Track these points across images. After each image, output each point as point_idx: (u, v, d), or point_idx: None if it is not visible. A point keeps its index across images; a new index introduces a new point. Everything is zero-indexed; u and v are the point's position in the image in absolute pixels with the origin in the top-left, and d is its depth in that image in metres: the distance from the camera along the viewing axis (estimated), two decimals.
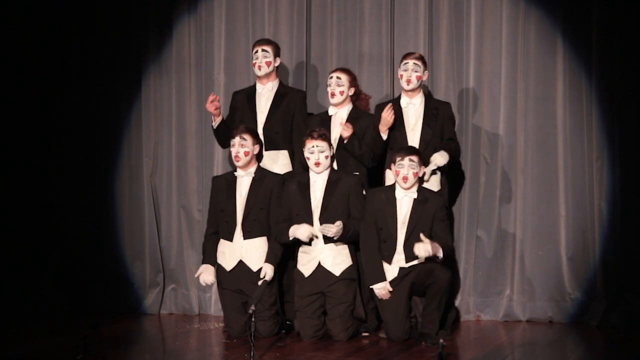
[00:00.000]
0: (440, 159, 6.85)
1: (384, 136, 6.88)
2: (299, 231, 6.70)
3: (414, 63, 6.92)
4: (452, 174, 7.47)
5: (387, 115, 6.82)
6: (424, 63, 6.98)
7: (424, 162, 6.74)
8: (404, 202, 6.65)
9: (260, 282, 6.49)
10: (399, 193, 6.65)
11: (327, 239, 6.73)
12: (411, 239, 6.57)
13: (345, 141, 6.95)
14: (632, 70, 7.22)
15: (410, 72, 6.91)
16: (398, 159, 6.60)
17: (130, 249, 8.06)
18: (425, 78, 6.99)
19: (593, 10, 7.29)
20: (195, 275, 7.07)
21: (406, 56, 6.99)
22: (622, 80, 7.25)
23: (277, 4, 7.84)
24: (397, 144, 6.93)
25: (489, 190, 7.51)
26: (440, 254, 6.47)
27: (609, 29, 7.26)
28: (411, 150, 6.65)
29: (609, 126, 7.28)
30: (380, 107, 7.04)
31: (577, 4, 7.34)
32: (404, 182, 6.59)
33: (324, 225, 6.64)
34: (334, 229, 6.60)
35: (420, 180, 6.73)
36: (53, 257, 8.10)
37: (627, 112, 7.25)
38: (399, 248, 6.65)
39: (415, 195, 6.62)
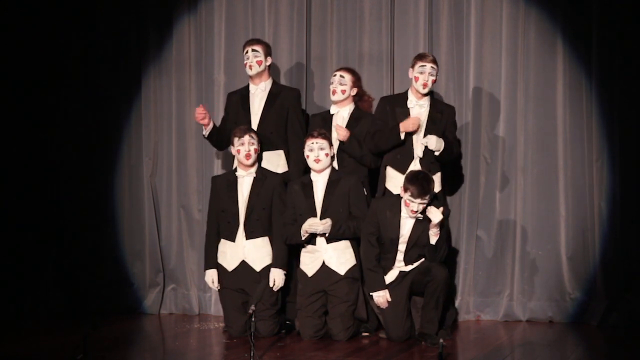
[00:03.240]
0: (433, 142, 6.74)
1: (402, 136, 6.81)
2: (305, 226, 6.68)
3: (432, 67, 6.83)
4: (452, 174, 7.50)
5: (414, 123, 6.77)
6: (438, 67, 6.93)
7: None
8: (408, 221, 6.65)
9: (263, 284, 6.49)
10: (404, 213, 6.65)
11: (330, 239, 6.73)
12: (410, 252, 6.63)
13: (344, 143, 6.95)
14: (632, 70, 7.22)
15: (427, 76, 6.83)
16: (409, 195, 6.49)
17: (130, 249, 8.06)
18: (436, 82, 6.97)
19: (593, 10, 7.29)
20: (213, 286, 7.02)
21: (422, 58, 6.88)
22: (622, 80, 7.25)
23: (277, 4, 7.84)
24: (400, 145, 6.93)
25: (489, 190, 7.51)
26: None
27: (609, 29, 7.26)
28: (425, 191, 6.48)
29: (609, 126, 7.28)
30: (385, 100, 7.04)
31: (577, 4, 7.34)
32: (412, 213, 6.57)
33: (311, 220, 6.65)
34: (320, 226, 6.62)
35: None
36: (53, 257, 8.10)
37: (627, 112, 7.25)
38: (399, 257, 6.68)
39: (420, 217, 6.62)
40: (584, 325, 7.23)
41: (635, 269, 7.19)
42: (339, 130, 6.96)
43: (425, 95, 6.92)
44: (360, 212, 6.77)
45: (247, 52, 7.20)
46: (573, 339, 6.91)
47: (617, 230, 7.25)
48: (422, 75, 6.84)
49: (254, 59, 7.17)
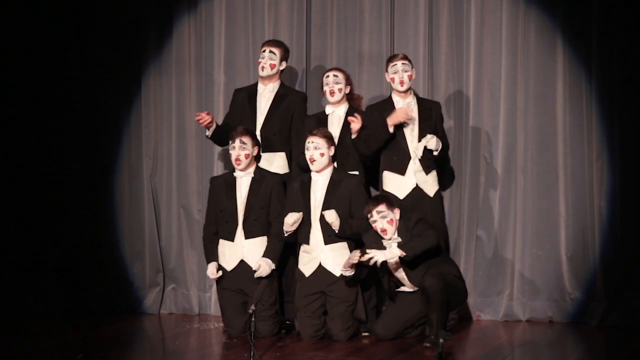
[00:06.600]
0: (434, 142, 6.81)
1: (391, 130, 6.86)
2: (286, 220, 6.71)
3: (402, 63, 6.92)
4: (452, 174, 7.51)
5: (403, 112, 6.81)
6: (410, 61, 6.98)
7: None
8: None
9: (256, 276, 6.47)
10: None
11: (328, 240, 6.73)
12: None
13: (353, 136, 6.94)
14: (632, 70, 7.22)
15: (401, 73, 6.92)
16: (368, 215, 6.56)
17: (130, 249, 8.06)
18: (414, 76, 6.99)
19: (593, 10, 7.29)
20: (212, 277, 6.99)
21: (392, 59, 7.00)
22: (622, 80, 7.24)
23: (277, 4, 7.85)
24: (396, 145, 6.92)
25: (489, 190, 7.51)
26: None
27: (609, 29, 7.26)
28: (377, 201, 6.59)
29: (609, 126, 7.28)
30: (372, 108, 7.09)
31: (577, 4, 7.35)
32: (384, 234, 6.57)
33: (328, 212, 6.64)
34: (334, 216, 6.60)
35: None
36: (53, 257, 8.10)
37: (627, 112, 7.25)
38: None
39: (399, 240, 6.58)
40: (583, 325, 7.23)
41: (635, 269, 7.19)
42: (355, 120, 6.89)
43: (407, 93, 6.95)
44: (361, 214, 6.77)
45: (264, 51, 7.18)
46: (573, 339, 6.91)
47: (617, 230, 7.25)
48: (396, 75, 6.93)
49: (269, 61, 7.16)
